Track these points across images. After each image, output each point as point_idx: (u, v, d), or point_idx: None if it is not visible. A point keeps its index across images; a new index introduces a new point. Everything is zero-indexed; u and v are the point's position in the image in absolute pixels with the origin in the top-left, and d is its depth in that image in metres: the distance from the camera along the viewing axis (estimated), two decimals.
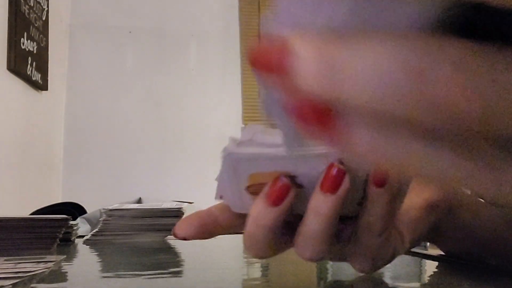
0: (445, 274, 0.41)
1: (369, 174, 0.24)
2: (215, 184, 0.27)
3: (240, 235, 0.27)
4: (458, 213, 0.36)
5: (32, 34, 2.26)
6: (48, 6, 2.50)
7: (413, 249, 0.52)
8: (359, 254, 0.27)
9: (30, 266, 0.42)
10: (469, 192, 0.27)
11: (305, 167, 0.23)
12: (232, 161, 0.24)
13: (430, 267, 0.44)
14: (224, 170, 0.25)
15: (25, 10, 2.17)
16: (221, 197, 0.27)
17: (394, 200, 0.25)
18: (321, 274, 0.43)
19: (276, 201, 0.24)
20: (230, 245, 0.78)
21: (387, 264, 0.29)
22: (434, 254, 0.47)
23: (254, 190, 0.25)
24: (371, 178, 0.24)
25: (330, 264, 0.51)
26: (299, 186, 0.24)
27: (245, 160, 0.24)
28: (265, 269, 0.48)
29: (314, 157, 0.23)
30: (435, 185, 0.27)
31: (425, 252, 0.50)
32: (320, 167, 0.23)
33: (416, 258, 0.49)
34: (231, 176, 0.25)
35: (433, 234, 0.36)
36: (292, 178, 0.24)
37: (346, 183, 0.23)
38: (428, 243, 2.08)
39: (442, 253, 0.46)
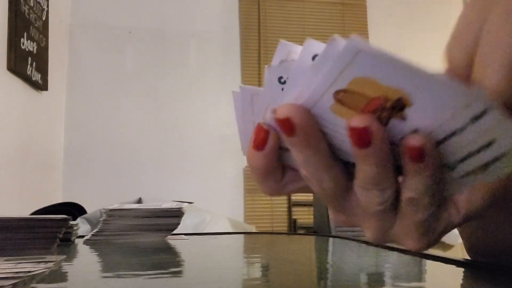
0: (445, 274, 0.41)
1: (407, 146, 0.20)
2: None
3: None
4: None
5: (32, 34, 2.26)
6: (48, 6, 2.50)
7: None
8: (406, 231, 0.25)
9: (30, 266, 0.42)
10: None
11: (426, 94, 0.19)
12: (348, 50, 0.18)
13: (430, 267, 0.44)
14: (326, 56, 0.20)
15: (25, 10, 2.17)
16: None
17: (438, 173, 0.22)
18: (321, 274, 0.44)
19: (258, 146, 0.24)
20: (230, 245, 0.78)
21: (439, 238, 0.26)
22: (434, 254, 0.47)
23: (347, 98, 0.20)
24: (405, 150, 0.21)
25: (330, 264, 0.51)
26: (401, 114, 0.20)
27: (367, 55, 0.18)
28: (265, 269, 0.48)
29: (444, 86, 0.18)
30: None
31: (425, 252, 0.50)
32: (449, 106, 0.19)
33: (416, 258, 0.49)
34: (331, 70, 0.20)
35: (489, 211, 0.32)
36: (400, 104, 0.20)
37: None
38: None
39: (442, 253, 0.46)
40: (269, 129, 0.23)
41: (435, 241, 0.26)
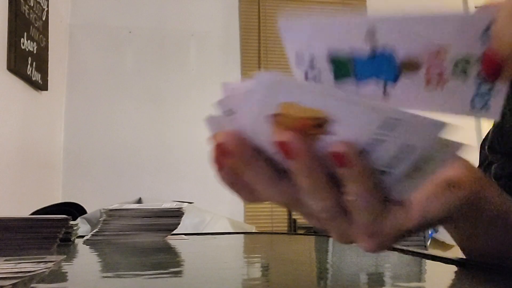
0: (445, 274, 0.41)
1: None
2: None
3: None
4: (483, 203, 0.33)
5: (32, 34, 2.26)
6: (48, 6, 2.50)
7: (413, 249, 0.52)
8: (357, 233, 0.27)
9: (30, 266, 0.42)
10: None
11: (349, 115, 0.22)
12: (271, 82, 0.22)
13: (430, 267, 0.44)
14: (255, 88, 0.23)
15: (25, 10, 2.17)
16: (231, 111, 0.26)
17: (370, 177, 0.24)
18: (321, 274, 0.44)
19: (217, 164, 0.26)
20: (230, 245, 0.78)
21: (395, 242, 0.28)
22: (434, 254, 0.47)
23: (279, 120, 0.23)
24: (331, 157, 0.23)
25: (330, 264, 0.51)
26: (326, 130, 0.23)
27: (288, 84, 0.22)
28: (265, 269, 0.48)
29: (366, 108, 0.22)
30: None
31: (425, 252, 0.50)
32: (365, 121, 0.22)
33: (416, 258, 0.49)
34: (260, 98, 0.23)
35: (452, 220, 0.32)
36: (323, 121, 0.23)
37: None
38: (428, 243, 2.08)
39: (442, 253, 0.46)
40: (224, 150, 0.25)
41: (388, 243, 0.28)
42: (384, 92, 0.25)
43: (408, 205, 0.27)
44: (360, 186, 0.24)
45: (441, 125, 0.22)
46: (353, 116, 0.22)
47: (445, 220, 0.30)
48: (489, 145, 0.53)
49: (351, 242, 0.28)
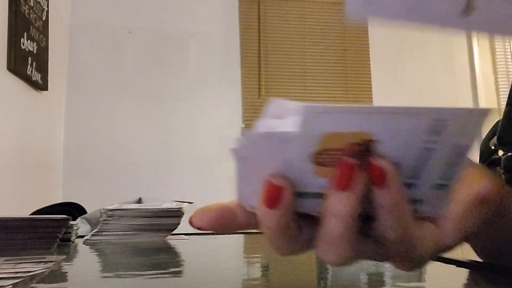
0: (445, 274, 0.41)
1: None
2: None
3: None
4: (504, 210, 0.32)
5: (32, 34, 2.26)
6: (48, 6, 2.50)
7: None
8: (389, 254, 0.25)
9: (30, 266, 0.42)
10: None
11: (390, 129, 0.21)
12: (307, 114, 0.20)
13: (430, 267, 0.44)
14: (250, 151, 0.22)
15: (25, 10, 2.17)
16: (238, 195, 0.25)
17: (403, 203, 0.22)
18: (321, 274, 0.43)
19: (271, 204, 0.22)
20: (230, 245, 0.78)
21: (428, 260, 0.27)
22: None
23: (323, 159, 0.21)
24: (373, 176, 0.21)
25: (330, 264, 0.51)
26: (372, 150, 0.21)
27: (321, 112, 0.20)
28: (265, 269, 0.48)
29: (408, 114, 0.20)
30: None
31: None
32: (411, 128, 0.21)
33: None
34: (260, 158, 0.22)
35: (479, 232, 0.32)
36: (369, 144, 0.21)
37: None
38: None
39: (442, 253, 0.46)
40: (282, 186, 0.22)
41: (422, 263, 0.26)
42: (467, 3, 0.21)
43: (442, 222, 0.26)
44: (393, 210, 0.22)
45: (486, 112, 0.20)
46: (398, 127, 0.20)
47: (475, 233, 0.30)
48: (498, 137, 0.53)
49: (386, 261, 0.27)
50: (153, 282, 0.38)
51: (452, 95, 3.40)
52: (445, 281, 0.39)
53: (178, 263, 0.55)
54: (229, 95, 3.13)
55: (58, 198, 2.67)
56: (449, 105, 0.20)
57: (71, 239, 0.71)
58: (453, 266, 0.42)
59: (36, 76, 2.31)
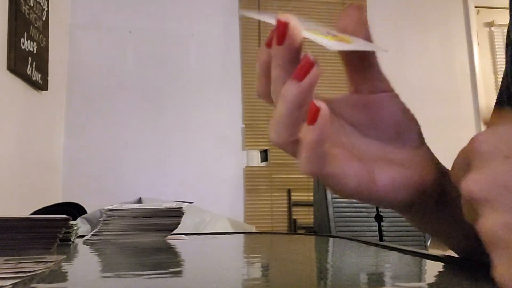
0: (445, 274, 0.41)
1: None
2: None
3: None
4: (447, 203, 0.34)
5: (32, 34, 2.26)
6: (48, 6, 2.50)
7: (413, 249, 0.52)
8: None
9: (30, 266, 0.42)
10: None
11: None
12: None
13: (430, 267, 0.44)
14: None
15: (25, 10, 2.17)
16: None
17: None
18: (321, 274, 0.43)
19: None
20: (230, 245, 0.78)
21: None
22: (434, 254, 0.47)
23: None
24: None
25: (330, 264, 0.51)
26: None
27: None
28: (265, 269, 0.48)
29: None
30: None
31: (425, 252, 0.50)
32: None
33: (416, 258, 0.49)
34: None
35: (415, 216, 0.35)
36: None
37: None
38: (428, 243, 2.07)
39: (442, 252, 0.46)
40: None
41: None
42: None
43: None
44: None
45: None
46: None
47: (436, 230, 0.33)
48: None
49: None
50: (153, 282, 0.38)
51: (452, 95, 3.40)
52: (445, 281, 0.39)
53: (178, 263, 0.55)
54: (229, 95, 3.13)
55: (58, 198, 2.67)
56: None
57: (71, 239, 0.71)
58: (453, 266, 0.42)
59: (36, 76, 2.31)
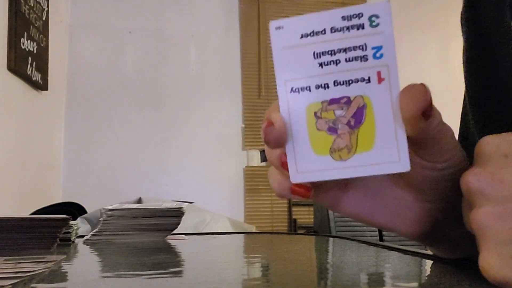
0: (445, 274, 0.41)
1: None
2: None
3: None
4: None
5: (32, 34, 2.26)
6: (48, 6, 2.50)
7: (413, 249, 0.52)
8: None
9: (30, 266, 0.42)
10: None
11: None
12: None
13: (430, 267, 0.44)
14: None
15: (25, 10, 2.17)
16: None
17: None
18: (321, 274, 0.43)
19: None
20: (230, 245, 0.78)
21: None
22: (434, 254, 0.47)
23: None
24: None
25: (330, 264, 0.51)
26: None
27: None
28: (265, 269, 0.48)
29: None
30: None
31: (425, 252, 0.50)
32: None
33: (416, 258, 0.49)
34: None
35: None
36: None
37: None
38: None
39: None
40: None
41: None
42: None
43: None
44: None
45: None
46: None
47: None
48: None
49: None
50: (153, 282, 0.38)
51: (452, 95, 3.40)
52: (445, 281, 0.39)
53: (178, 263, 0.55)
54: (229, 95, 3.14)
55: (58, 198, 2.67)
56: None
57: (71, 239, 0.71)
58: (454, 266, 0.42)
59: (36, 76, 2.31)
